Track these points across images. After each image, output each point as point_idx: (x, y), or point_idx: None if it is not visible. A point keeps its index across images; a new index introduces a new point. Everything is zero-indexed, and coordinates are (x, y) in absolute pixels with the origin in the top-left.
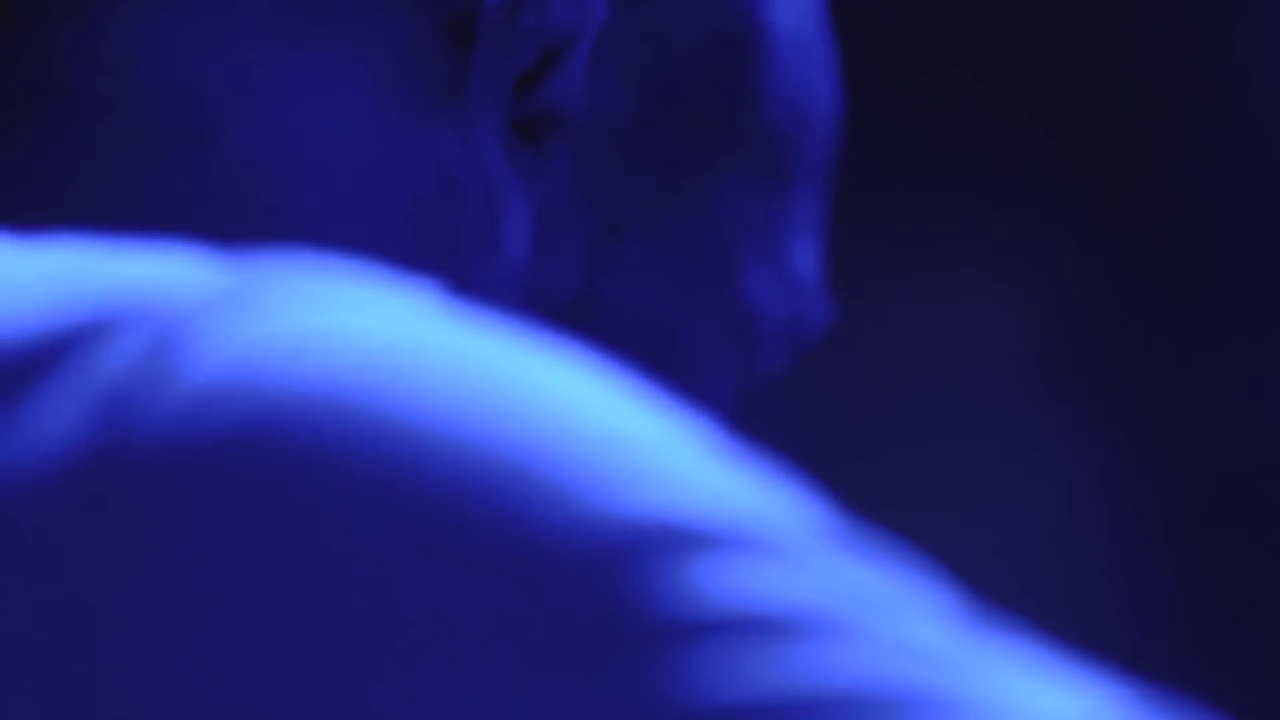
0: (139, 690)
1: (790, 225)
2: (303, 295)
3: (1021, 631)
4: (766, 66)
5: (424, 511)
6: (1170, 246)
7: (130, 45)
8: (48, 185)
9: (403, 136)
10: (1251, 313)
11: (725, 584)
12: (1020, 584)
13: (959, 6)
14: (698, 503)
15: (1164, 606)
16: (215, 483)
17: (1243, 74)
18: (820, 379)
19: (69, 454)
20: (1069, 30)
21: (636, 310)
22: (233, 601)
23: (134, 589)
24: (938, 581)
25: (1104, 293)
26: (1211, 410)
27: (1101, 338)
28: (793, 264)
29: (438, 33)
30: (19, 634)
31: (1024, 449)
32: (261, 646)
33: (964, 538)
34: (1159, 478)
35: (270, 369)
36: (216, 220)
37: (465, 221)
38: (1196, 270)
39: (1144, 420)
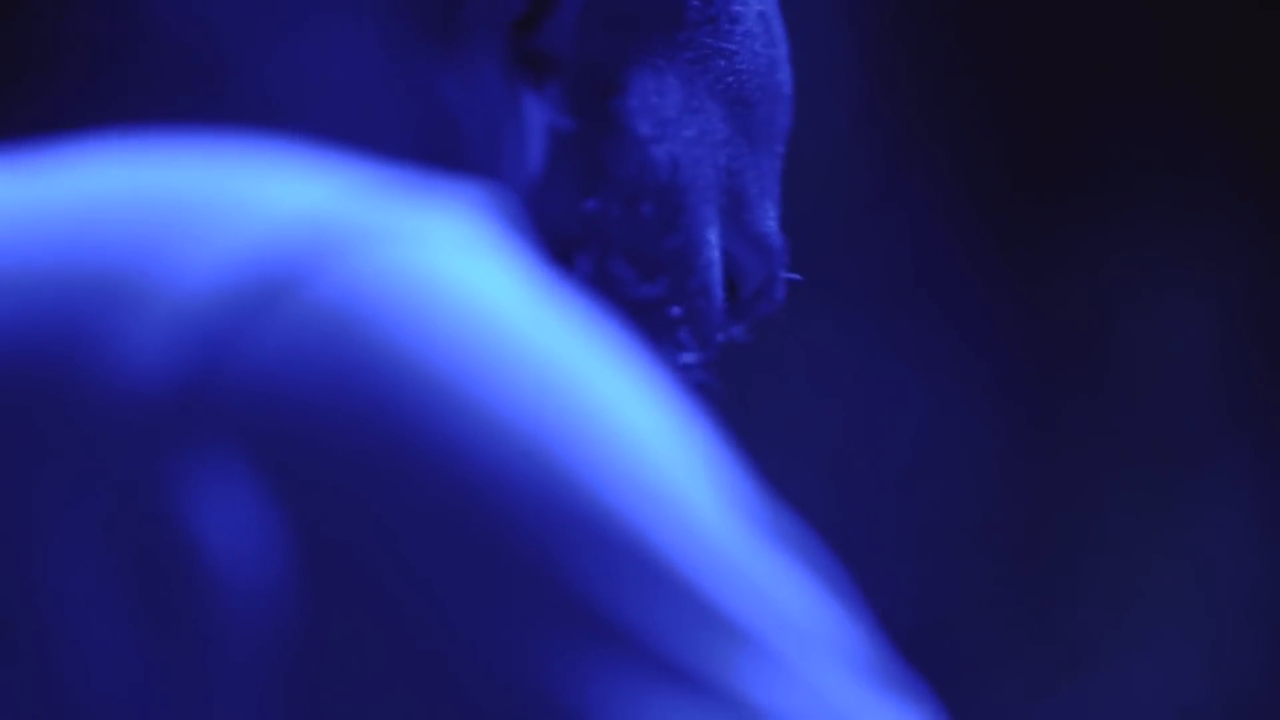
0: None
1: (759, 185)
2: (430, 238)
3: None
4: (737, 32)
5: (446, 496)
6: None
7: None
8: (66, 133)
9: (405, 71)
10: None
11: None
12: (1215, 598)
13: (1139, 33)
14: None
15: None
16: (276, 423)
17: None
18: (1008, 393)
19: (161, 376)
20: (1244, 46)
21: (628, 243)
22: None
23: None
24: (852, 622)
25: None
26: None
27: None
28: (761, 224)
29: None
30: None
31: (1206, 455)
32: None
33: (1143, 550)
34: None
35: (370, 309)
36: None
37: (466, 153)
38: None
39: None
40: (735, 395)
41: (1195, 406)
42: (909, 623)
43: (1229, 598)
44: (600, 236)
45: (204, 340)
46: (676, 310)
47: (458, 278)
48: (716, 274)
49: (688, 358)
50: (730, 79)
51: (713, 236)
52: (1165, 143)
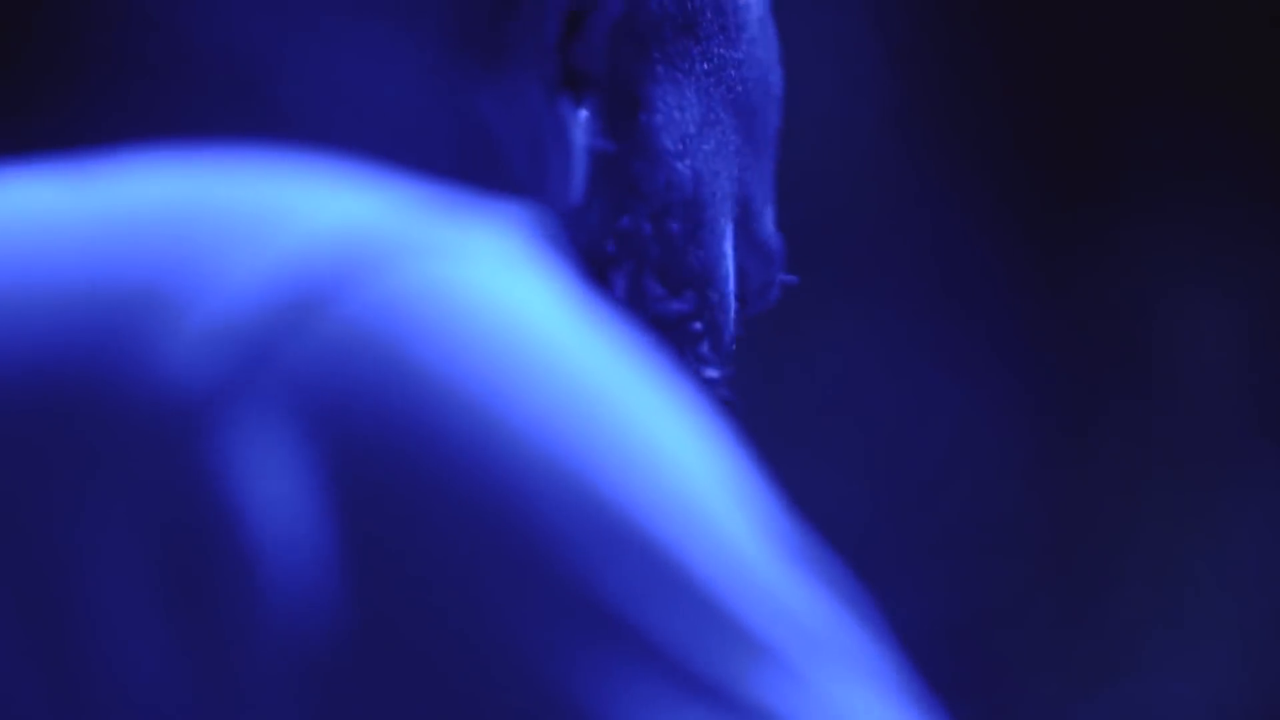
0: None
1: (762, 191)
2: (466, 251)
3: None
4: (743, 39)
5: (484, 513)
6: None
7: (183, 7)
8: (99, 145)
9: (448, 93)
10: None
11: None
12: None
13: (1171, 34)
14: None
15: None
16: (312, 438)
17: None
18: (1039, 395)
19: (195, 385)
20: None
21: (659, 260)
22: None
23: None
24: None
25: None
26: None
27: None
28: (765, 229)
29: None
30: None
31: (1239, 456)
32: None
33: (1176, 552)
34: None
35: (405, 325)
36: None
37: (508, 174)
38: None
39: None
40: (767, 398)
41: (1228, 409)
42: (941, 626)
43: (1263, 599)
44: (634, 255)
45: (238, 353)
46: (699, 325)
47: (495, 293)
48: (732, 285)
49: (710, 371)
50: (740, 88)
51: (728, 248)
52: (1196, 145)
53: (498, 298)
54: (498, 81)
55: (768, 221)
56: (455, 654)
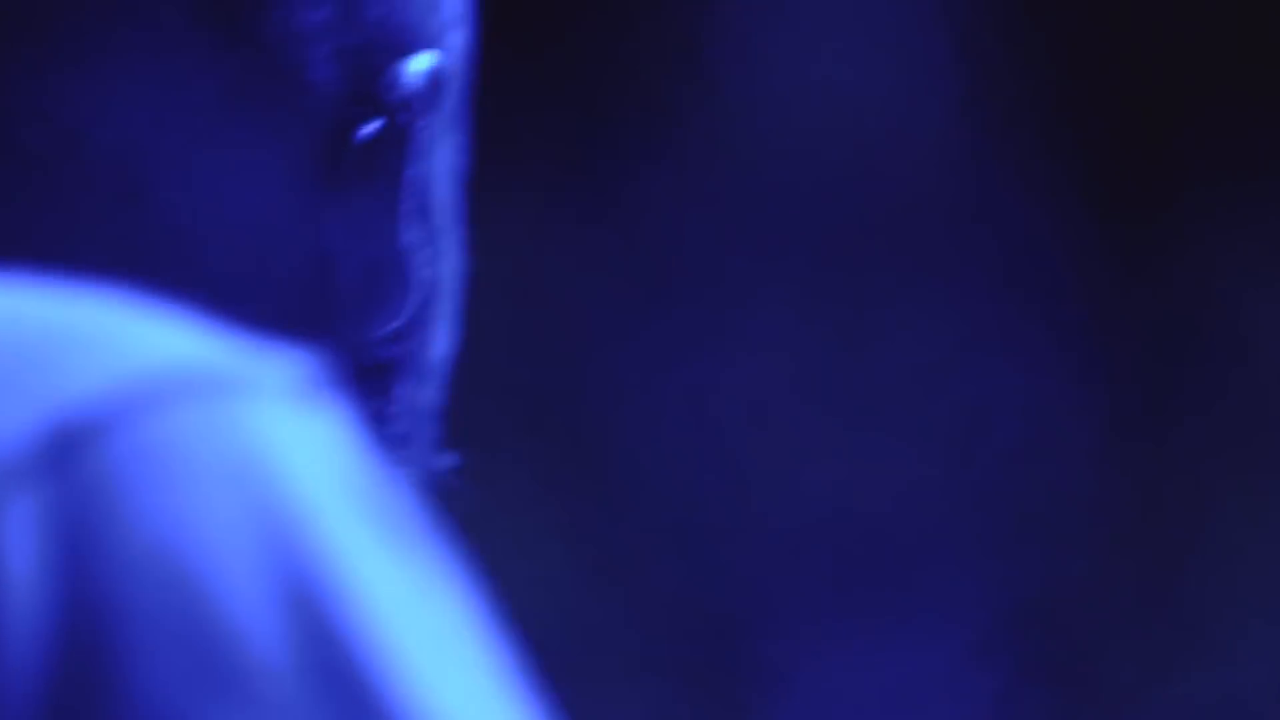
0: None
1: None
2: (251, 406)
3: None
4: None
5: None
6: None
7: (77, 108)
8: None
9: (296, 209)
10: None
11: None
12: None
13: (1248, 27)
14: None
15: None
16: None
17: None
18: (1114, 381)
19: None
20: None
21: (423, 362)
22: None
23: None
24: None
25: None
26: None
27: None
28: None
29: (346, 127)
30: None
31: None
32: None
33: (1247, 535)
34: None
35: (157, 478)
36: (135, 275)
37: (340, 296)
38: None
39: None
40: (843, 383)
41: None
42: (1016, 609)
43: None
44: (412, 363)
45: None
46: (435, 412)
47: (266, 441)
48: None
49: (438, 458)
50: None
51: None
52: (1273, 139)
53: (269, 446)
54: (343, 204)
55: None
56: None
